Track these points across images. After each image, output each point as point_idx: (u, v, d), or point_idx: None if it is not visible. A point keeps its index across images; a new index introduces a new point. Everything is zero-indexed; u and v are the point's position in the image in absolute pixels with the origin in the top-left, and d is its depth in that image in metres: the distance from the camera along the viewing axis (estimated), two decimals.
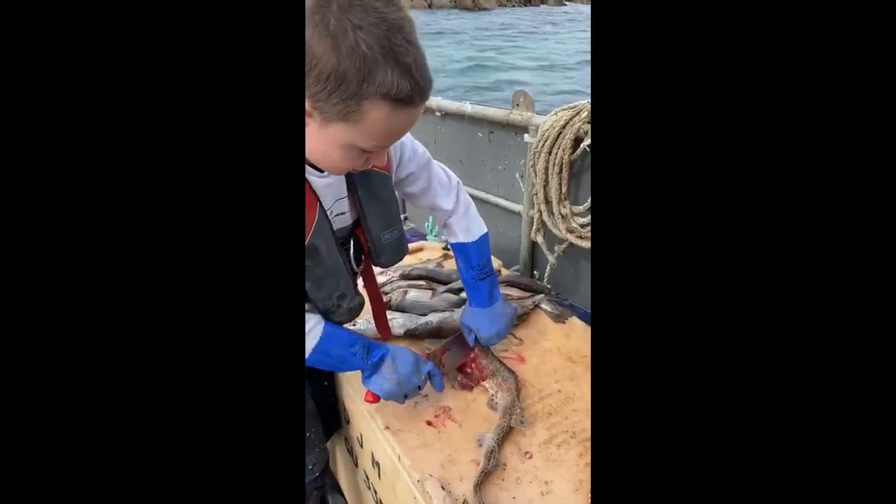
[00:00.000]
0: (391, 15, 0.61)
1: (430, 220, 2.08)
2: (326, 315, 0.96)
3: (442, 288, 1.44)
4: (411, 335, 1.23)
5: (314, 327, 0.93)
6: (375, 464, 1.05)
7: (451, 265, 1.60)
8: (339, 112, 0.64)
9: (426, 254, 1.66)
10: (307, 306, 0.94)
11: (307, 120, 0.68)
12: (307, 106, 0.65)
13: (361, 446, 1.11)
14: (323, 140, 0.69)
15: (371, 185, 0.95)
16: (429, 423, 1.00)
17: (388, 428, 0.99)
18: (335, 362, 0.96)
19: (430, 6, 39.02)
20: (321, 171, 0.84)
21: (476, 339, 1.12)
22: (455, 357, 1.12)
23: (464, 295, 1.42)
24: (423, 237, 1.99)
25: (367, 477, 1.13)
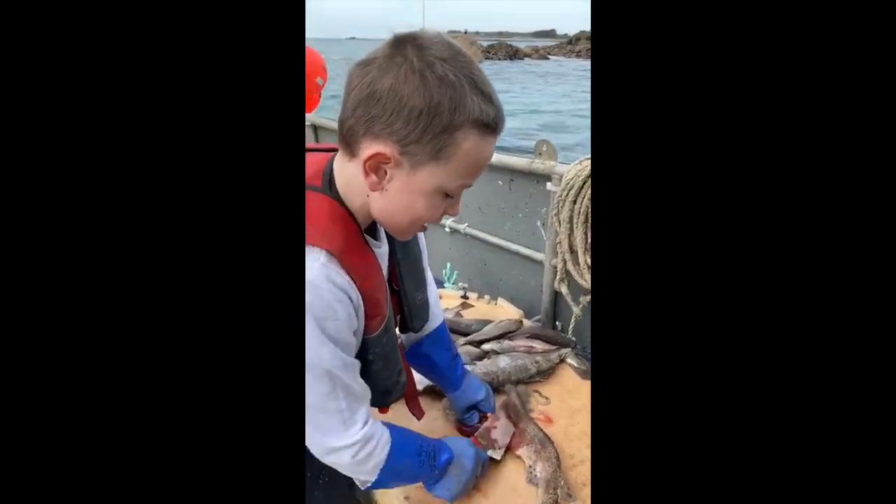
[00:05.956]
0: (461, 52, 0.62)
1: (448, 266, 2.03)
2: (385, 396, 0.85)
3: (462, 340, 1.38)
4: (431, 391, 1.16)
5: (377, 437, 0.75)
6: None
7: (470, 315, 1.54)
8: (432, 150, 0.62)
9: (444, 302, 1.60)
10: (353, 406, 0.72)
11: (390, 173, 0.64)
12: (395, 155, 0.62)
13: None
14: (409, 190, 0.65)
15: (406, 244, 0.88)
16: None
17: (407, 498, 0.91)
18: (404, 479, 0.83)
19: None
20: (378, 239, 0.78)
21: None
22: (504, 431, 1.04)
23: (486, 347, 1.35)
24: (441, 284, 1.94)
25: None
